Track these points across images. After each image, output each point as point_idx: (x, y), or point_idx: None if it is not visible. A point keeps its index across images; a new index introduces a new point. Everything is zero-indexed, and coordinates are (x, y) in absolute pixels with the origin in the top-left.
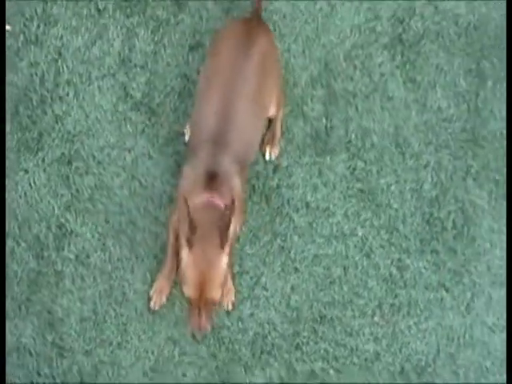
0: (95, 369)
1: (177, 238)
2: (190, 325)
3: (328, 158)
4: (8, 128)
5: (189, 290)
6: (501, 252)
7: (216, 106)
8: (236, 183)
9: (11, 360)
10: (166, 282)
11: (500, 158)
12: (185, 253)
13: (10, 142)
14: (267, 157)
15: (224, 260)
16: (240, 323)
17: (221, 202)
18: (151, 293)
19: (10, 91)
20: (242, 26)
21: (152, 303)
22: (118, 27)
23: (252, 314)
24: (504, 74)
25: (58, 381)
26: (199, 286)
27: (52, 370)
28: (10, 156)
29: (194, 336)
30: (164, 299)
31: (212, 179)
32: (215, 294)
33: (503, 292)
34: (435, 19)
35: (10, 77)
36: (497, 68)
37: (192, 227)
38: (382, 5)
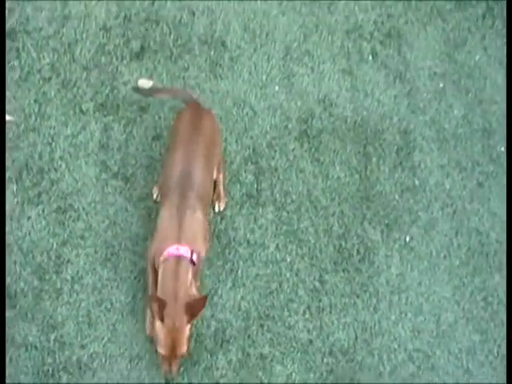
0: (91, 358)
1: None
2: (163, 371)
3: (260, 210)
4: (14, 188)
5: (162, 350)
6: (395, 270)
7: (180, 163)
8: (200, 218)
9: (21, 354)
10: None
11: (386, 208)
12: (158, 324)
13: (16, 197)
14: (216, 209)
15: (189, 327)
16: (204, 321)
17: (188, 254)
18: (147, 332)
19: (13, 162)
20: (193, 109)
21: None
22: (98, 123)
23: (212, 315)
24: (384, 153)
25: (60, 367)
26: (170, 347)
27: (54, 360)
28: (16, 206)
29: (166, 379)
30: None
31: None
32: (183, 350)
33: (400, 297)
34: (330, 120)
35: (12, 153)
36: (378, 150)
37: (161, 304)
38: (290, 111)
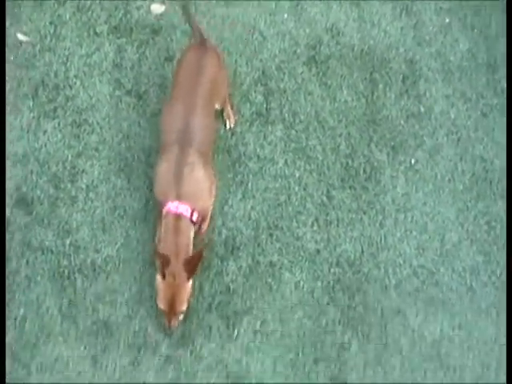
0: (105, 261)
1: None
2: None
3: (269, 127)
4: (30, 103)
5: (161, 305)
6: (401, 190)
7: (179, 112)
8: (200, 175)
9: (37, 257)
10: None
11: (392, 132)
12: (159, 279)
13: (32, 112)
14: (227, 126)
15: (190, 284)
16: (215, 229)
17: (187, 213)
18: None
19: (29, 80)
20: (195, 51)
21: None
22: (111, 44)
23: (223, 224)
24: (390, 81)
25: (75, 269)
26: (170, 303)
27: (70, 262)
28: (32, 121)
29: (166, 331)
30: None
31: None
32: (182, 307)
33: (405, 215)
34: (337, 47)
35: (28, 72)
36: (384, 77)
37: (165, 261)
38: (298, 37)
